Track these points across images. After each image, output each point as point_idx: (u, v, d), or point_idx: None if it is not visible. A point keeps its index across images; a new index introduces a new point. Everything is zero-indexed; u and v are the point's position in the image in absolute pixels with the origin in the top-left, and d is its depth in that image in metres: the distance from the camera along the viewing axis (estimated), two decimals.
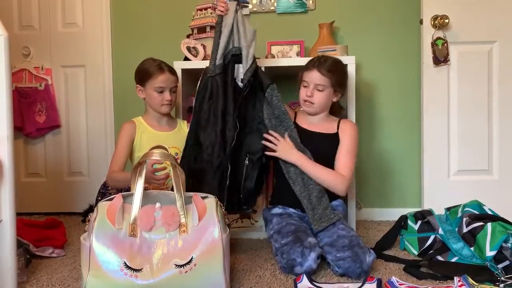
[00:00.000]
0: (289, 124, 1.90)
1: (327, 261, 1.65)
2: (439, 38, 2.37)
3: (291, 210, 1.90)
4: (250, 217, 2.21)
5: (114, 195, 1.42)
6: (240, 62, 1.88)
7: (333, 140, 1.93)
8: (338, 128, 1.96)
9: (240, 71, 1.88)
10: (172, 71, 2.02)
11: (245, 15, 1.96)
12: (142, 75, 2.00)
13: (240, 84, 1.88)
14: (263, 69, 2.08)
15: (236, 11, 1.87)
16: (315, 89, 1.89)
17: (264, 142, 1.87)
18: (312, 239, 1.65)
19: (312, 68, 1.89)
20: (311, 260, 1.56)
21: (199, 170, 1.81)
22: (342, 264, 1.57)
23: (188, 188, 1.53)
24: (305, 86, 1.92)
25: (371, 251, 1.63)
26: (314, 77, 1.88)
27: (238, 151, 1.86)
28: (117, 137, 2.01)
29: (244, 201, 1.87)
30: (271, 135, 1.86)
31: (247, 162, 1.87)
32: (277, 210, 1.91)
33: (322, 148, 1.90)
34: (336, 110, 2.08)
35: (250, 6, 2.61)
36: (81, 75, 2.76)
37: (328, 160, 1.88)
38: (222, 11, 1.87)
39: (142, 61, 2.04)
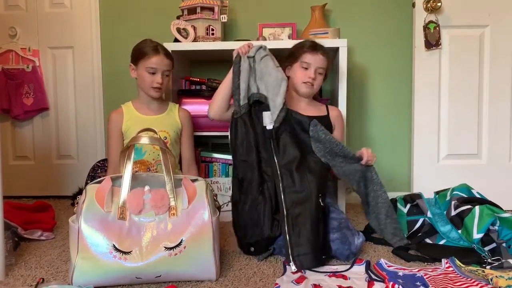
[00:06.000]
0: (345, 152, 1.79)
1: None
2: (431, 21, 2.36)
3: None
4: None
5: (103, 178, 1.42)
6: (263, 108, 1.79)
7: (326, 122, 1.96)
8: (327, 112, 2.02)
9: (267, 120, 1.78)
10: (168, 55, 1.98)
11: (265, 56, 1.82)
12: (137, 54, 1.97)
13: (269, 127, 1.78)
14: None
15: (254, 58, 1.82)
16: (316, 72, 1.93)
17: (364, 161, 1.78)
18: None
19: (316, 52, 1.93)
20: None
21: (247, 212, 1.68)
22: (331, 246, 1.57)
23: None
24: (305, 68, 1.93)
25: (360, 233, 1.63)
26: (319, 60, 1.93)
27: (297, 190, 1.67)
28: (106, 131, 2.01)
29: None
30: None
31: (322, 202, 1.66)
32: None
33: None
34: (316, 95, 2.14)
35: None
36: (69, 57, 2.72)
37: None
38: (242, 52, 1.82)
39: (140, 41, 2.02)
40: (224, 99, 1.88)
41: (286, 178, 1.68)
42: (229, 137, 1.80)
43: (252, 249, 1.64)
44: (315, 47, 1.94)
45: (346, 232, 1.58)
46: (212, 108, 1.91)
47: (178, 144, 2.06)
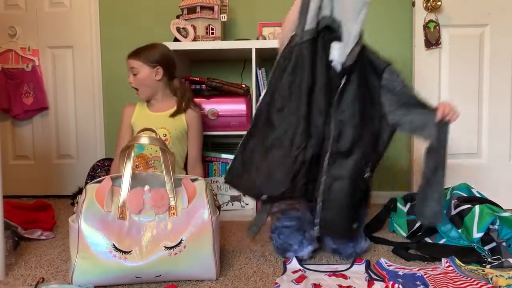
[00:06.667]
0: (427, 107, 1.53)
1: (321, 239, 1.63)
2: (431, 20, 2.35)
3: None
4: (241, 200, 2.21)
5: (103, 177, 1.42)
6: (333, 38, 1.43)
7: None
8: None
9: (335, 53, 1.42)
10: (134, 54, 1.98)
11: None
12: None
13: (338, 67, 1.43)
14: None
15: None
16: None
17: (440, 115, 1.49)
18: (313, 232, 1.55)
19: None
20: (306, 251, 1.55)
21: (265, 158, 1.44)
22: (338, 240, 1.56)
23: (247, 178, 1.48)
24: None
25: (367, 239, 1.63)
26: None
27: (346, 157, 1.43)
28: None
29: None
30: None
31: (369, 173, 1.48)
32: None
33: None
34: None
35: None
36: (69, 56, 2.72)
37: None
38: None
39: None
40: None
41: (339, 135, 1.41)
42: (272, 69, 1.46)
43: (265, 197, 1.46)
44: None
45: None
46: (282, 33, 1.59)
47: (182, 143, 2.04)
